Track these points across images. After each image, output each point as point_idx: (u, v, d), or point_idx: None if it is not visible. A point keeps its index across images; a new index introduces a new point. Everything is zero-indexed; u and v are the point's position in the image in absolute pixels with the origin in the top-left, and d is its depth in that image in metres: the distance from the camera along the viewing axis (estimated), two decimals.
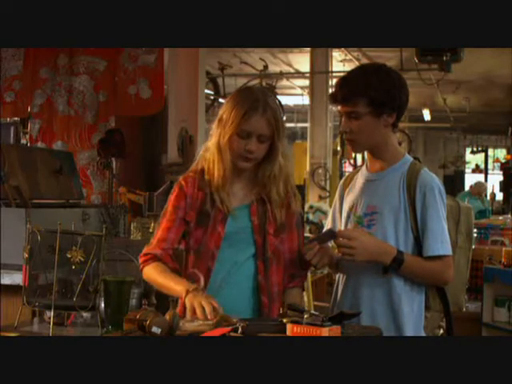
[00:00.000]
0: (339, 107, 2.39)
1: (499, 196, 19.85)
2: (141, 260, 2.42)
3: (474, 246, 2.57)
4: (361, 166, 2.58)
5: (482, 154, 23.32)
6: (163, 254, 2.38)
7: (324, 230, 2.55)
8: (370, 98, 2.31)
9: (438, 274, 2.34)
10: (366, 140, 2.38)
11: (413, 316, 2.36)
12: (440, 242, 2.30)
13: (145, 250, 2.42)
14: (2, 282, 3.20)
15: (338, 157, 12.08)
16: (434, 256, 2.30)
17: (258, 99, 2.33)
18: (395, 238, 2.34)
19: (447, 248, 2.32)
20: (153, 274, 2.36)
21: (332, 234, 2.36)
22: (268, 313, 2.35)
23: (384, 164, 2.42)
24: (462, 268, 2.50)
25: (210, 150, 2.40)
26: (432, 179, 2.36)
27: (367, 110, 2.32)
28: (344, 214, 2.50)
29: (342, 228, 2.48)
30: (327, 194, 10.68)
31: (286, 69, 12.53)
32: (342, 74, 2.56)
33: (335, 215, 2.57)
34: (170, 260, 2.39)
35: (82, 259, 2.16)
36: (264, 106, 2.32)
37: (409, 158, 2.43)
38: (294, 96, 15.08)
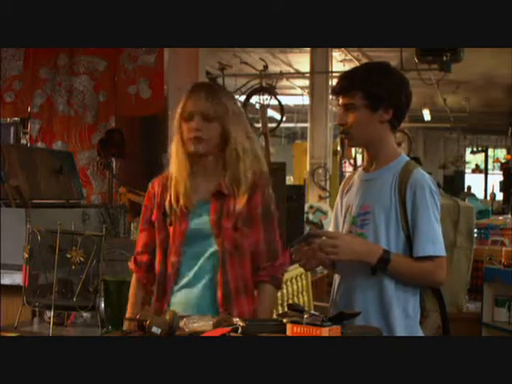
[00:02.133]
0: (339, 101, 2.40)
1: (499, 196, 19.85)
2: (132, 265, 2.53)
3: (474, 246, 2.54)
4: (360, 166, 2.57)
5: (482, 154, 23.35)
6: (145, 264, 2.50)
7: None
8: (367, 91, 2.31)
9: (429, 275, 2.29)
10: (361, 134, 2.37)
11: (405, 318, 2.32)
12: (431, 242, 2.26)
13: (133, 259, 2.54)
14: (2, 282, 3.21)
15: (338, 157, 12.08)
16: (424, 256, 2.26)
17: (200, 84, 2.52)
18: (387, 237, 2.31)
19: (439, 248, 2.27)
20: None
21: (312, 234, 2.36)
22: (226, 307, 2.34)
23: (379, 163, 2.40)
24: (462, 268, 2.46)
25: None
26: (423, 178, 2.32)
27: (363, 102, 2.32)
28: (342, 215, 2.49)
29: (341, 229, 2.47)
30: (327, 194, 10.68)
31: (286, 69, 12.53)
32: None
33: (337, 217, 2.54)
34: (143, 273, 2.50)
35: (82, 259, 2.16)
36: (205, 86, 2.46)
37: (404, 158, 2.41)
38: (294, 96, 15.08)
